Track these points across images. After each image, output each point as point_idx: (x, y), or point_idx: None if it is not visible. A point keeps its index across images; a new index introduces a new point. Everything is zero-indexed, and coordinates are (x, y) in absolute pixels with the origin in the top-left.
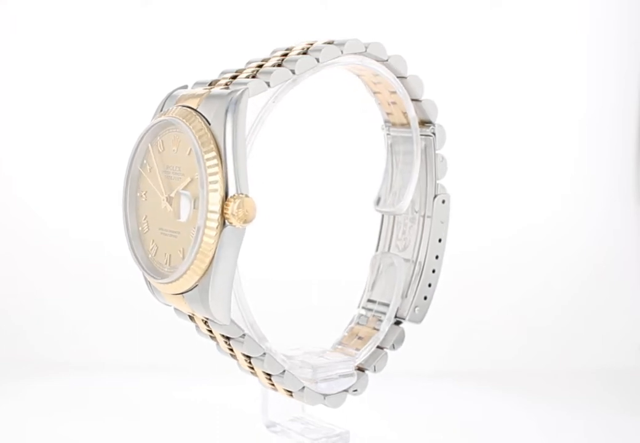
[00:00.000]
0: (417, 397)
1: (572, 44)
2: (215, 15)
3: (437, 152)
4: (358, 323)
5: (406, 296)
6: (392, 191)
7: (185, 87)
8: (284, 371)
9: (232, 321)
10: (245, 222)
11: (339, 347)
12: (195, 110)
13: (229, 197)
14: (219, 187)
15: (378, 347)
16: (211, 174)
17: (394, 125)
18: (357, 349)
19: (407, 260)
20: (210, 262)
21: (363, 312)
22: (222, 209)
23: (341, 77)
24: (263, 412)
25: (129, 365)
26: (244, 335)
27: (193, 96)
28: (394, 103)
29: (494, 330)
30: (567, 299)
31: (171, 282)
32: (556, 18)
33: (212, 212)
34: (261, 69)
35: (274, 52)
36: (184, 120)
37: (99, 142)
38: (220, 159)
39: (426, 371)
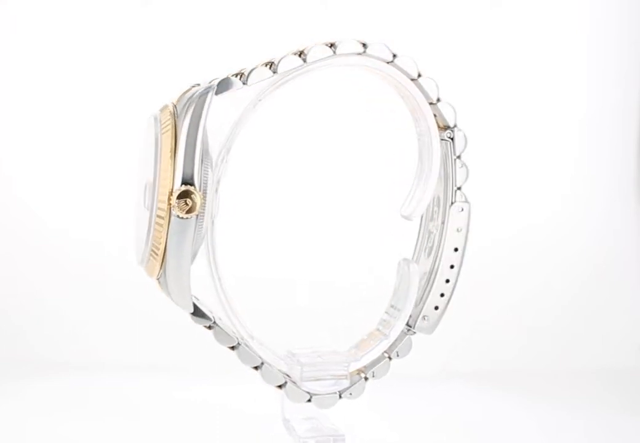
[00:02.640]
0: (417, 398)
1: (572, 44)
2: (216, 16)
3: (456, 158)
4: (377, 328)
5: (418, 304)
6: (414, 196)
7: (198, 85)
8: (261, 364)
9: (199, 309)
10: (188, 212)
11: (353, 349)
12: (175, 106)
13: (174, 189)
14: (169, 179)
15: (386, 353)
16: (164, 167)
17: (422, 129)
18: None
19: (423, 268)
20: (165, 250)
21: (385, 316)
22: (169, 199)
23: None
24: (280, 408)
25: (129, 365)
26: (213, 324)
27: (180, 93)
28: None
29: (494, 330)
30: (567, 299)
31: (145, 267)
32: (556, 18)
33: (161, 201)
34: (249, 68)
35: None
36: (161, 115)
37: (98, 142)
38: (175, 152)
39: (427, 371)
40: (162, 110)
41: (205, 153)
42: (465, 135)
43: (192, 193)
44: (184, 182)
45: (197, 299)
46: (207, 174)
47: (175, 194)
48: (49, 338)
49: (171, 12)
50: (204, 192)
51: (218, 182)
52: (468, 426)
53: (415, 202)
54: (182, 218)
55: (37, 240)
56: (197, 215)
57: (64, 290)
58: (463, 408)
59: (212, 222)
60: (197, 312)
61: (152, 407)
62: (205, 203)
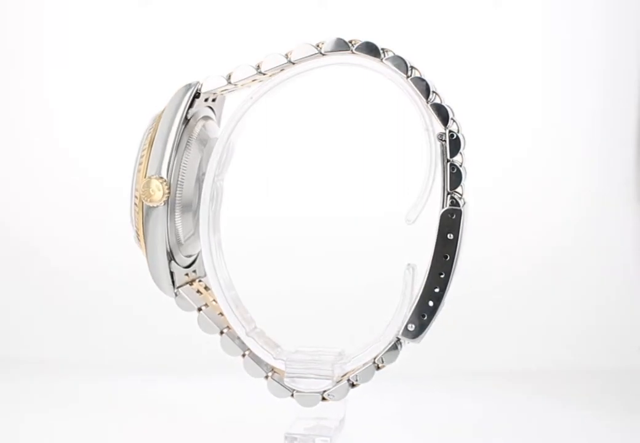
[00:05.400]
0: (416, 398)
1: (572, 44)
2: (214, 16)
3: (448, 161)
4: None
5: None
6: (417, 200)
7: (198, 82)
8: (243, 356)
9: (181, 295)
10: (152, 201)
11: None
12: None
13: (146, 177)
14: (142, 169)
15: (375, 358)
16: (141, 158)
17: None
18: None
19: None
20: (143, 235)
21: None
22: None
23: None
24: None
25: (130, 365)
26: (198, 311)
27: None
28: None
29: (493, 330)
30: (567, 299)
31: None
32: (556, 19)
33: (137, 190)
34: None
35: None
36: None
37: (95, 141)
38: (151, 145)
39: (426, 372)
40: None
41: (187, 146)
42: (459, 138)
43: (157, 183)
44: (151, 172)
45: (205, 289)
46: (187, 166)
47: (142, 183)
48: (49, 339)
49: (170, 13)
50: (178, 182)
51: (214, 174)
52: (467, 427)
53: (414, 206)
54: (149, 206)
55: (38, 241)
56: (166, 203)
57: (65, 290)
58: (462, 409)
59: (202, 212)
60: (181, 298)
61: (152, 407)
62: (181, 192)
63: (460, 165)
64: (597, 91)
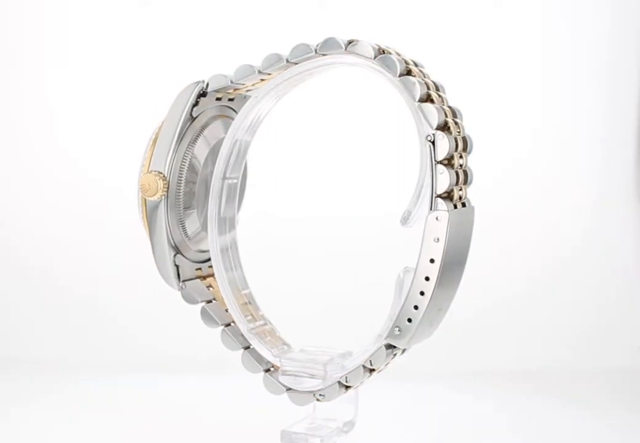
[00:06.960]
0: (416, 398)
1: (572, 44)
2: (214, 16)
3: (437, 163)
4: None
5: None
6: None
7: (202, 81)
8: (243, 350)
9: (187, 291)
10: (149, 195)
11: None
12: None
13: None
14: (146, 165)
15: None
16: (147, 154)
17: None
18: None
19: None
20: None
21: None
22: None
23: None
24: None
25: (130, 365)
26: (208, 302)
27: None
28: None
29: (494, 330)
30: (567, 300)
31: None
32: (556, 19)
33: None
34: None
35: None
36: None
37: (95, 141)
38: (155, 141)
39: (426, 372)
40: None
41: (192, 143)
42: (449, 140)
43: (155, 178)
44: (152, 168)
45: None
46: (191, 162)
47: (142, 177)
48: (50, 339)
49: (169, 13)
50: (178, 178)
51: (221, 172)
52: (467, 427)
53: (408, 207)
54: (149, 200)
55: (39, 241)
56: (165, 198)
57: (65, 290)
58: (462, 410)
59: (211, 211)
60: (186, 291)
61: (152, 407)
62: (184, 189)
63: (455, 168)
64: (597, 91)
